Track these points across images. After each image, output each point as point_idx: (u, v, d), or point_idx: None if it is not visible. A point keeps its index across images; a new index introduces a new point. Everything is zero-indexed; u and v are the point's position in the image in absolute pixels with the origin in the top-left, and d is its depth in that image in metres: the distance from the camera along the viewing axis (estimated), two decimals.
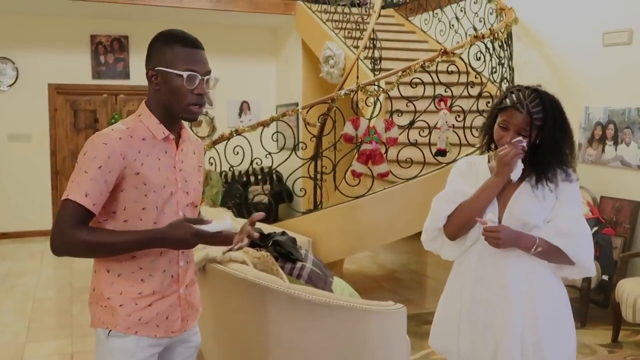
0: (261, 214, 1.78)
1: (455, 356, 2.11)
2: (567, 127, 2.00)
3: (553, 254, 1.96)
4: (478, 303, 2.03)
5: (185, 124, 1.85)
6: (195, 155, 1.90)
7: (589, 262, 1.98)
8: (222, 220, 1.70)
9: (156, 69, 1.70)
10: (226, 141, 4.78)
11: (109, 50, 7.84)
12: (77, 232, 1.60)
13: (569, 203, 2.00)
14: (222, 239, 1.75)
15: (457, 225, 2.06)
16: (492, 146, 2.10)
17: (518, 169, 1.96)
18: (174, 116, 1.75)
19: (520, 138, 1.94)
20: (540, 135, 1.97)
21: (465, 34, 6.13)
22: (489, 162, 2.13)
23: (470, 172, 2.14)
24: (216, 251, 2.78)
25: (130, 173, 1.67)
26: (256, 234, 1.78)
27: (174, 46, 1.70)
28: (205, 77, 1.73)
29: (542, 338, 1.95)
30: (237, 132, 4.75)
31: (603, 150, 4.97)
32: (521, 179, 2.00)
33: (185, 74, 1.68)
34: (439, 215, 2.10)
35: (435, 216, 2.12)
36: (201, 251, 2.75)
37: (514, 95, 1.98)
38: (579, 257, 1.95)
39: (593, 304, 4.54)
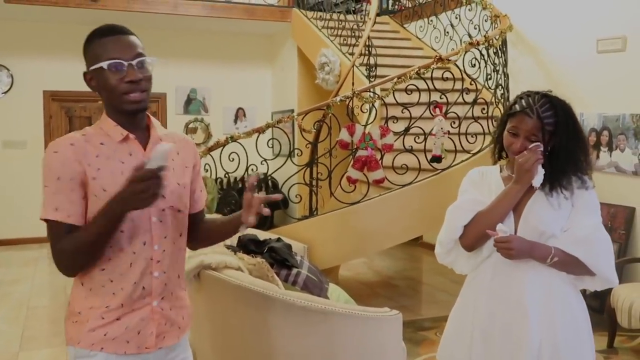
0: (255, 178, 1.63)
1: None
2: (580, 132, 1.94)
3: (571, 264, 1.89)
4: (493, 318, 1.96)
5: (173, 126, 1.78)
6: (180, 155, 1.75)
7: (610, 272, 1.90)
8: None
9: (89, 70, 1.61)
10: (221, 148, 4.78)
11: None
12: (61, 245, 1.56)
13: (586, 211, 1.92)
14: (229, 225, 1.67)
15: (475, 236, 1.97)
16: (504, 155, 2.04)
17: (539, 175, 1.90)
18: (123, 112, 1.61)
19: (538, 143, 1.88)
20: (552, 142, 1.91)
21: (460, 41, 6.16)
22: (500, 171, 2.07)
23: (483, 183, 2.07)
24: (211, 257, 2.77)
25: (90, 178, 1.57)
26: (266, 210, 1.62)
27: (94, 41, 1.60)
28: (135, 61, 1.57)
29: (560, 355, 1.89)
30: (233, 139, 4.74)
31: (598, 157, 4.99)
32: (532, 188, 1.94)
33: (104, 64, 1.55)
34: (455, 225, 2.01)
35: (451, 226, 2.02)
36: (196, 258, 2.75)
37: (523, 101, 1.92)
38: (598, 266, 1.88)
39: (588, 309, 4.53)
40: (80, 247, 1.55)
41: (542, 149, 1.89)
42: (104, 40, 1.59)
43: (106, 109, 1.66)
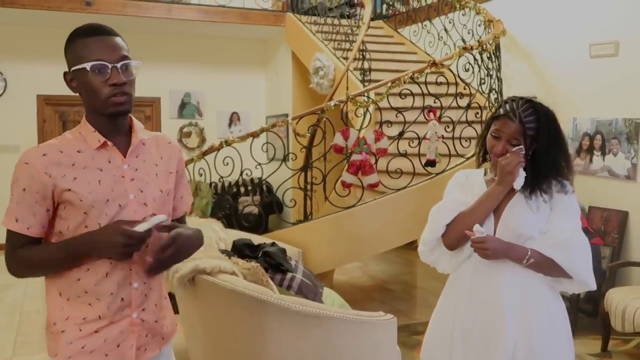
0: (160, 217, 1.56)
1: None
2: (561, 139, 1.99)
3: (546, 266, 1.92)
4: (472, 317, 2.00)
5: (166, 132, 1.75)
6: (164, 161, 1.69)
7: (587, 275, 1.92)
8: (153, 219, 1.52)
9: (71, 70, 1.56)
10: (216, 152, 4.78)
11: None
12: (17, 252, 1.57)
13: (565, 215, 1.97)
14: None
15: (457, 235, 2.01)
16: (488, 157, 2.09)
17: (521, 177, 1.95)
18: (104, 117, 1.56)
19: (521, 146, 1.93)
20: (534, 146, 1.95)
21: (454, 45, 6.18)
22: (485, 174, 2.11)
23: (467, 185, 2.12)
24: (206, 262, 2.76)
25: (63, 190, 1.51)
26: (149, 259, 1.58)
27: (77, 41, 1.54)
28: (119, 64, 1.51)
29: (536, 356, 1.91)
30: (227, 143, 4.74)
31: (591, 161, 5.01)
32: (514, 190, 1.98)
33: (88, 65, 1.50)
34: (438, 224, 2.06)
35: (434, 225, 2.07)
36: (190, 262, 2.74)
37: (507, 105, 1.98)
38: (575, 270, 1.90)
39: (582, 313, 4.56)
40: (35, 263, 1.56)
41: (524, 152, 1.94)
42: (88, 40, 1.53)
43: (86, 112, 1.61)
